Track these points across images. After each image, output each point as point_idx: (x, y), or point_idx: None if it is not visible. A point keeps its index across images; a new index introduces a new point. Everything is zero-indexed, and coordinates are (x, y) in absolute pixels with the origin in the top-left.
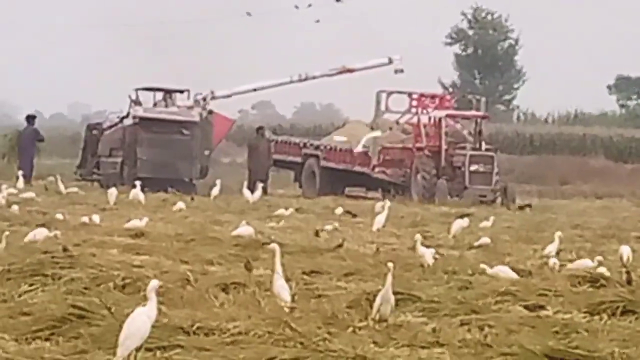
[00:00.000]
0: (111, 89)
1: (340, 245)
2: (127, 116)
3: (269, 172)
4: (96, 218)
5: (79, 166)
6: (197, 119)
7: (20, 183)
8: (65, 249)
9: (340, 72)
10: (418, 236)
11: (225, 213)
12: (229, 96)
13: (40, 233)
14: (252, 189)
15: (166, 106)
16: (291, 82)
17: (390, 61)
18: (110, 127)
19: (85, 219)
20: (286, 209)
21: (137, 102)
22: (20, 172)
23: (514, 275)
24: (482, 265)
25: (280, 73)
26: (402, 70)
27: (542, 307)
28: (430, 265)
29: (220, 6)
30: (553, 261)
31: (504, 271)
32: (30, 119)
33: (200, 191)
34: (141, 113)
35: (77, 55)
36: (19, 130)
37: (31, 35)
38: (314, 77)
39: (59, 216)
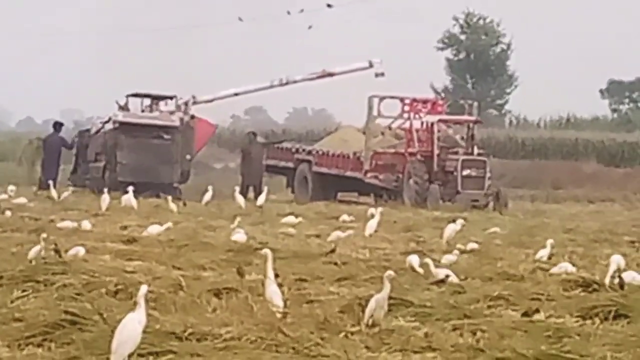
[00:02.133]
0: (104, 95)
1: (332, 251)
2: (108, 121)
3: (262, 177)
4: (86, 224)
5: (72, 172)
6: (177, 123)
7: (53, 192)
8: (56, 251)
9: (321, 76)
10: (429, 261)
11: (218, 218)
12: (210, 101)
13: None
14: (244, 194)
15: (151, 111)
16: (272, 86)
17: (371, 65)
18: (96, 132)
19: (72, 224)
20: (296, 217)
21: (125, 108)
22: (50, 181)
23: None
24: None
25: (273, 78)
26: (382, 74)
27: (537, 312)
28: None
29: (212, 12)
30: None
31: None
32: (58, 126)
33: (192, 197)
34: (121, 118)
35: (70, 62)
36: (40, 138)
37: (23, 41)
38: (294, 82)
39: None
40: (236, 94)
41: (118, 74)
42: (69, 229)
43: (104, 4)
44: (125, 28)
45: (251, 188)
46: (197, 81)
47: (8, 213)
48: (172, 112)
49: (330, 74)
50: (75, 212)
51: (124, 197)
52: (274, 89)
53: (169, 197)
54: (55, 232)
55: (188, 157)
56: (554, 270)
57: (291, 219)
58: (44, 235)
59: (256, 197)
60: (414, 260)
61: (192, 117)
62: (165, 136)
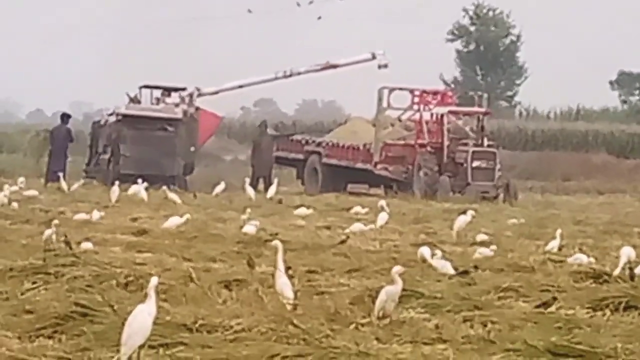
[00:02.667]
0: (113, 87)
1: (343, 242)
2: (112, 113)
3: (271, 168)
4: (96, 215)
5: (87, 164)
6: (180, 115)
7: (63, 184)
8: (67, 243)
9: (325, 68)
10: (426, 250)
11: (228, 210)
12: (215, 93)
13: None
14: (254, 186)
15: (159, 103)
16: (276, 78)
17: (374, 56)
18: (104, 124)
19: (83, 215)
20: (307, 208)
21: (135, 100)
22: (59, 174)
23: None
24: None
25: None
26: (386, 66)
27: (550, 303)
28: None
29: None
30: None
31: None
32: (65, 117)
33: (202, 189)
34: (124, 110)
35: (80, 54)
36: (48, 130)
37: (33, 33)
38: (298, 73)
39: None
40: (241, 86)
41: (128, 66)
42: (81, 220)
43: None
44: (134, 20)
45: (261, 180)
46: (206, 73)
47: (15, 205)
48: (176, 105)
49: (334, 66)
50: (86, 204)
51: (133, 187)
52: (278, 81)
53: (165, 188)
54: (67, 223)
55: (192, 149)
56: (570, 260)
57: (303, 210)
58: (56, 221)
59: (266, 189)
60: (425, 252)
61: (197, 109)
62: (169, 128)
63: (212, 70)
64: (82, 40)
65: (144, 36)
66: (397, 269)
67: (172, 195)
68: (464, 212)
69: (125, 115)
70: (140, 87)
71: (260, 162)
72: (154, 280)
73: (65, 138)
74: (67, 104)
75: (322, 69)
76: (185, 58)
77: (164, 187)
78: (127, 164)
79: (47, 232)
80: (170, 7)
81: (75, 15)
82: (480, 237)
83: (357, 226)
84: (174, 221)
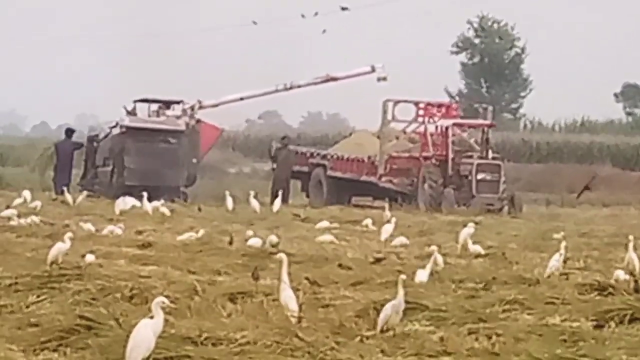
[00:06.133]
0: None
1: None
2: (115, 126)
3: (289, 181)
4: (118, 229)
5: (82, 177)
6: (183, 127)
7: (68, 197)
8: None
9: (325, 81)
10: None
11: (233, 223)
12: (216, 105)
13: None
14: (274, 200)
15: (158, 116)
16: (277, 91)
17: (373, 69)
18: (104, 137)
19: (110, 228)
20: (330, 222)
21: (132, 113)
22: (64, 187)
23: None
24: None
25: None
26: (385, 78)
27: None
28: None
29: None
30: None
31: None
32: (69, 132)
33: (207, 201)
34: (128, 122)
35: (85, 67)
36: (54, 143)
37: (38, 46)
38: (299, 86)
39: (87, 226)
40: (242, 99)
41: (133, 79)
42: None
43: (119, 10)
44: (139, 33)
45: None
46: (210, 85)
47: (21, 220)
48: (178, 117)
49: (334, 79)
50: (91, 217)
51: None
52: (283, 93)
53: (158, 203)
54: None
55: (194, 160)
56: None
57: (324, 223)
58: (70, 234)
59: (284, 201)
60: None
61: (198, 121)
62: (172, 140)
63: (216, 83)
64: (87, 54)
65: (148, 48)
66: (403, 277)
67: (164, 209)
68: (465, 224)
69: (129, 128)
70: (135, 101)
71: (279, 176)
72: (159, 299)
73: (70, 152)
74: (72, 116)
75: (322, 82)
76: (189, 70)
77: (155, 202)
78: (131, 176)
79: (61, 245)
80: (180, 20)
81: (79, 28)
82: (474, 247)
83: (400, 240)
84: (190, 235)
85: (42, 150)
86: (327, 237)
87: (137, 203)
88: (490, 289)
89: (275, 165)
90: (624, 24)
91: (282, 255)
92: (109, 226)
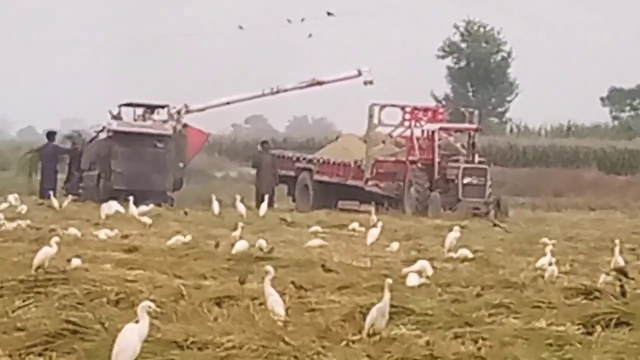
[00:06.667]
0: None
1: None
2: (102, 130)
3: (274, 186)
4: (111, 232)
5: (66, 181)
6: (170, 132)
7: (55, 201)
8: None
9: (311, 85)
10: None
11: (219, 227)
12: (202, 110)
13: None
14: (259, 205)
15: (144, 121)
16: (263, 95)
17: (360, 73)
18: (90, 141)
19: (105, 231)
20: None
21: (117, 117)
22: (50, 192)
23: None
24: None
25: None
26: (371, 82)
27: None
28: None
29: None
30: (551, 269)
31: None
32: (51, 135)
33: (193, 206)
34: (115, 127)
35: (71, 71)
36: (36, 149)
37: (24, 50)
38: (285, 90)
39: (73, 231)
40: (228, 103)
41: (119, 83)
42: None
43: (106, 13)
44: (126, 37)
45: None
46: (196, 90)
47: (7, 223)
48: (164, 121)
49: (320, 83)
50: (77, 221)
51: (108, 204)
52: (269, 98)
53: (145, 207)
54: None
55: (181, 165)
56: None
57: (316, 228)
58: (57, 239)
59: (270, 205)
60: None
61: (185, 125)
62: (159, 144)
63: (203, 87)
64: (73, 58)
65: (134, 53)
66: (389, 281)
67: (145, 219)
68: (450, 228)
69: (116, 132)
70: (120, 105)
71: (262, 180)
72: (145, 304)
73: (54, 156)
74: (58, 121)
75: (308, 86)
76: (177, 74)
77: (142, 206)
78: (118, 180)
79: (48, 249)
80: (167, 24)
81: (66, 33)
82: (463, 252)
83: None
84: (177, 239)
85: (23, 153)
86: (317, 242)
87: (121, 209)
88: (477, 293)
89: (256, 170)
90: (608, 29)
91: (269, 268)
92: (103, 229)
